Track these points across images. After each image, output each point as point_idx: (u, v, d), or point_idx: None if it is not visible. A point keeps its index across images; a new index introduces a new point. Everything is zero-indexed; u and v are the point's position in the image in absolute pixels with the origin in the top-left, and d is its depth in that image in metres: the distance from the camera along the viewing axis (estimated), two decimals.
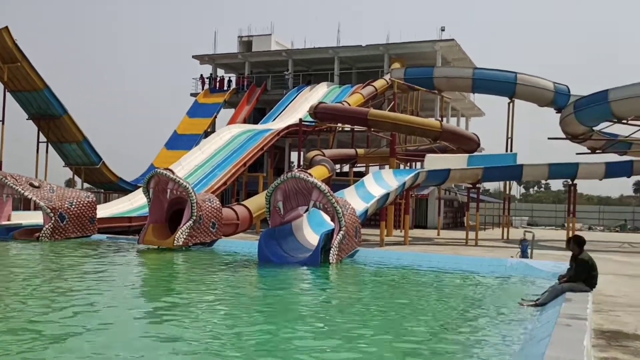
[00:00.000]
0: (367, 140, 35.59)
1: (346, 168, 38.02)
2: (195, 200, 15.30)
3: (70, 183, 39.80)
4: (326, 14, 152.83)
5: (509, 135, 31.26)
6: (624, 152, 30.83)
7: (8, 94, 27.91)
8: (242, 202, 19.38)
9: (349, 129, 34.58)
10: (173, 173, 15.28)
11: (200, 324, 7.11)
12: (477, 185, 25.29)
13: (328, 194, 13.19)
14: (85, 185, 32.43)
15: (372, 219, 31.69)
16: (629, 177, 25.27)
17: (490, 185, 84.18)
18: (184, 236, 15.12)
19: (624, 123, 26.69)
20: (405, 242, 22.54)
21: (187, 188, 15.16)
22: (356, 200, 17.86)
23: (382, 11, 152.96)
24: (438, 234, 30.45)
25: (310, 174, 13.45)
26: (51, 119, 29.72)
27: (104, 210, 22.75)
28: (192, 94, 45.42)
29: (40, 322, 6.80)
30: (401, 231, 25.28)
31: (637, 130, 27.57)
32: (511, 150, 30.27)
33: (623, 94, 24.17)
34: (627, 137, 28.90)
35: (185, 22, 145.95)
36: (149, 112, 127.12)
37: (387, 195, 19.06)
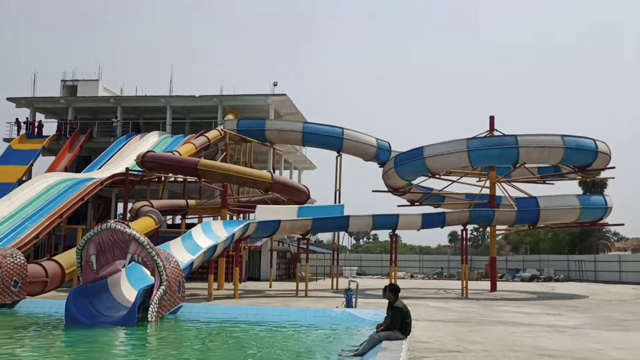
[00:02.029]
0: (199, 191, 34.82)
1: (179, 220, 36.75)
2: None
3: None
4: (159, 62, 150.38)
5: (337, 188, 32.49)
6: (439, 204, 33.55)
7: None
8: (54, 257, 17.60)
9: (181, 179, 33.63)
10: None
11: None
12: (307, 236, 25.68)
13: (147, 246, 12.39)
14: None
15: (204, 272, 30.75)
16: (442, 227, 27.31)
17: (324, 237, 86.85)
18: None
19: (437, 177, 29.11)
20: (235, 295, 21.99)
21: None
22: (182, 252, 17.08)
23: (216, 63, 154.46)
24: (270, 286, 30.27)
25: (128, 225, 12.55)
26: None
27: None
28: (5, 139, 41.35)
29: None
30: (232, 284, 24.67)
31: (449, 185, 30.23)
32: (339, 202, 31.42)
33: (435, 151, 26.43)
34: (440, 190, 31.51)
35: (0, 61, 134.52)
36: None
37: (215, 246, 18.51)
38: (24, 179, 35.36)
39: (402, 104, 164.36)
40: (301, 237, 25.59)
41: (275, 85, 42.75)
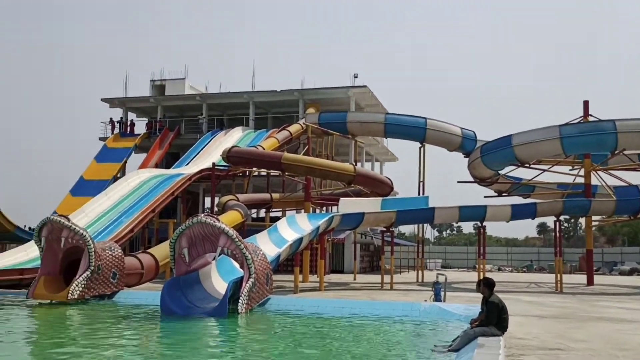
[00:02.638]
0: (282, 185, 35.26)
1: (263, 213, 37.41)
2: (93, 249, 14.21)
3: None
4: (241, 59, 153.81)
5: (421, 179, 31.89)
6: (528, 194, 32.21)
7: None
8: (148, 250, 18.30)
9: (264, 173, 34.20)
10: (68, 220, 14.14)
11: None
12: (391, 229, 25.36)
13: (236, 239, 12.57)
14: None
15: (288, 264, 31.13)
16: (532, 218, 26.21)
17: (406, 229, 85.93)
18: (80, 288, 13.93)
19: (526, 167, 27.91)
20: (320, 287, 22.06)
21: (84, 235, 14.07)
22: (269, 245, 17.27)
23: (297, 57, 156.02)
24: (354, 279, 30.21)
25: (217, 219, 12.79)
26: None
27: None
28: (100, 138, 43.63)
29: None
30: (317, 276, 24.79)
31: (539, 174, 28.92)
32: (423, 194, 30.84)
33: (525, 139, 25.33)
34: (530, 180, 30.21)
35: (94, 64, 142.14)
36: (54, 156, 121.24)
37: (301, 239, 18.61)
38: (118, 175, 37.17)
39: (486, 94, 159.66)
40: (385, 229, 25.31)
41: (355, 77, 42.59)
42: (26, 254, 21.39)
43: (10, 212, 30.49)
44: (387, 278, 24.96)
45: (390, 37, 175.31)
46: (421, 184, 31.85)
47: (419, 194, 31.10)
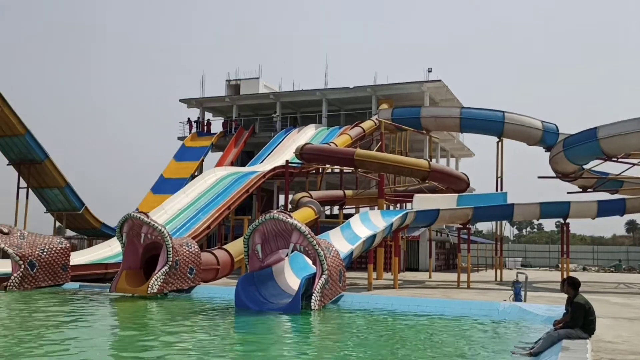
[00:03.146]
0: (356, 182, 35.10)
1: (337, 210, 37.40)
2: (170, 245, 14.58)
3: (61, 230, 38.63)
4: (313, 56, 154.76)
5: (499, 175, 30.85)
6: (615, 190, 30.46)
7: None
8: (224, 246, 18.64)
9: (337, 170, 34.15)
10: (147, 216, 14.59)
11: None
12: (468, 226, 24.66)
13: (308, 235, 12.52)
14: (69, 231, 31.62)
15: (362, 261, 30.94)
16: (621, 215, 24.74)
17: (483, 227, 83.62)
18: (159, 283, 14.34)
19: (614, 161, 26.38)
20: (394, 285, 21.74)
21: (162, 232, 14.46)
22: (341, 242, 17.18)
23: (370, 53, 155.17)
24: (430, 277, 29.63)
25: (290, 215, 12.79)
26: (32, 164, 29.09)
27: (82, 257, 21.92)
28: (179, 138, 45.04)
29: None
30: (392, 274, 24.48)
31: (628, 168, 27.27)
32: (501, 190, 29.81)
33: (612, 131, 23.92)
34: (617, 175, 28.55)
35: (172, 66, 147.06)
36: (136, 155, 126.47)
37: (374, 236, 18.39)
38: (196, 173, 38.22)
39: (567, 85, 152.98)
40: (461, 226, 24.64)
41: (429, 71, 41.78)
42: (110, 249, 22.34)
43: (96, 210, 32.06)
44: (463, 276, 24.30)
45: (466, 30, 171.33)
46: (499, 179, 30.80)
47: (497, 190, 30.09)
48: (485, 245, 48.41)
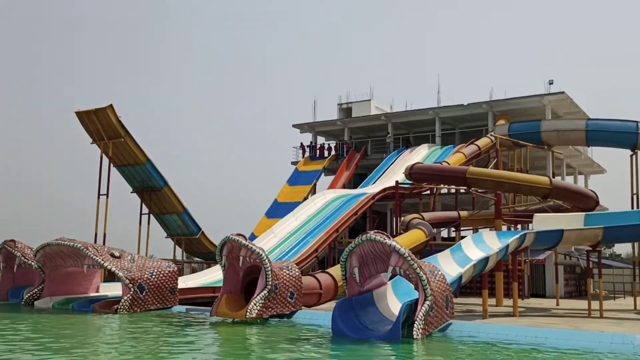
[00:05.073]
0: (472, 202, 33.32)
1: (453, 233, 35.71)
2: (269, 268, 14.26)
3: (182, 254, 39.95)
4: (425, 75, 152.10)
5: (634, 192, 27.81)
6: None
7: (113, 169, 29.09)
8: (327, 270, 18.09)
9: (453, 190, 32.65)
10: (245, 239, 14.38)
11: None
12: (598, 248, 22.23)
13: (408, 257, 11.60)
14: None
15: (479, 286, 29.04)
16: None
17: (622, 249, 76.60)
18: (258, 307, 14.02)
19: None
20: (514, 313, 19.94)
21: (261, 255, 14.18)
22: (451, 265, 15.99)
23: (485, 68, 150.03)
24: (557, 304, 27.10)
25: (388, 236, 11.95)
26: (153, 191, 30.55)
27: (194, 280, 22.40)
28: (292, 162, 45.61)
29: None
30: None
31: None
32: (638, 208, 26.81)
33: None
34: None
35: (286, 92, 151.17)
36: (250, 180, 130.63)
37: (487, 259, 16.96)
38: (308, 197, 38.32)
39: None
40: (590, 248, 22.28)
41: (551, 83, 39.12)
42: (220, 274, 22.60)
43: (213, 234, 33.00)
44: (595, 304, 21.86)
45: (588, 36, 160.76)
46: (634, 196, 27.76)
47: (632, 208, 27.10)
48: (622, 270, 43.98)
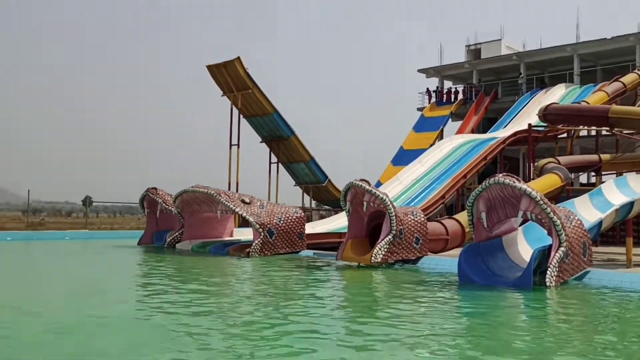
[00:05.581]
0: (616, 145, 30.64)
1: (593, 178, 33.28)
2: (394, 214, 14.12)
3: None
4: (562, 10, 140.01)
5: None
6: None
7: (242, 120, 30.18)
8: (454, 216, 17.61)
9: (593, 133, 30.22)
10: (369, 184, 14.32)
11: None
12: None
13: (541, 201, 10.89)
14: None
15: (622, 235, 26.90)
16: None
17: None
18: (383, 252, 14.01)
19: None
20: None
21: (384, 200, 14.06)
22: (589, 210, 14.82)
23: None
24: None
25: (518, 179, 11.28)
26: (280, 141, 31.39)
27: (322, 226, 22.92)
28: (418, 109, 44.58)
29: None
30: None
31: None
32: None
33: None
34: None
35: (410, 37, 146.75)
36: (376, 128, 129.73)
37: (632, 204, 15.53)
38: (435, 143, 37.40)
39: None
40: None
41: None
42: (346, 220, 22.89)
43: (340, 183, 33.42)
44: None
45: None
46: None
47: None
48: None
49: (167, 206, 20.49)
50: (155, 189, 21.18)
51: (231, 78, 28.64)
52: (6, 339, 6.42)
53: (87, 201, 37.91)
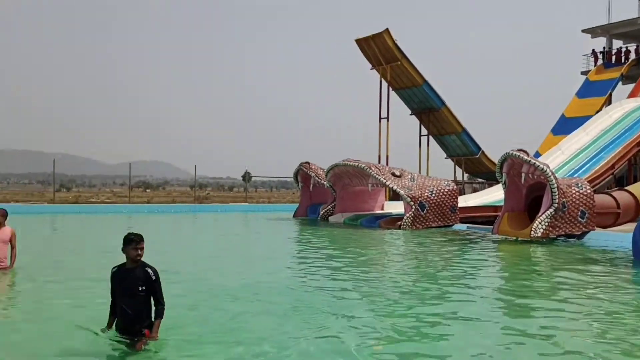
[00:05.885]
0: None
1: None
2: (555, 185, 13.12)
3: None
4: None
5: None
6: None
7: (391, 93, 29.90)
8: (627, 188, 15.98)
9: None
10: (527, 154, 13.41)
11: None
12: None
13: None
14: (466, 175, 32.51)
15: None
16: None
17: None
18: (544, 226, 13.11)
19: None
20: None
21: (545, 170, 13.09)
22: None
23: None
24: None
25: None
26: (431, 112, 30.69)
27: (475, 200, 22.12)
28: (582, 72, 40.98)
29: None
30: None
31: None
32: None
33: None
34: None
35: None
36: (533, 94, 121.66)
37: None
38: (602, 110, 34.26)
39: None
40: None
41: None
42: (501, 193, 21.83)
43: (495, 154, 32.00)
44: None
45: None
46: None
47: None
48: None
49: (319, 180, 20.96)
50: (308, 163, 21.75)
51: (379, 50, 28.43)
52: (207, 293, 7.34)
53: (246, 176, 40.18)
